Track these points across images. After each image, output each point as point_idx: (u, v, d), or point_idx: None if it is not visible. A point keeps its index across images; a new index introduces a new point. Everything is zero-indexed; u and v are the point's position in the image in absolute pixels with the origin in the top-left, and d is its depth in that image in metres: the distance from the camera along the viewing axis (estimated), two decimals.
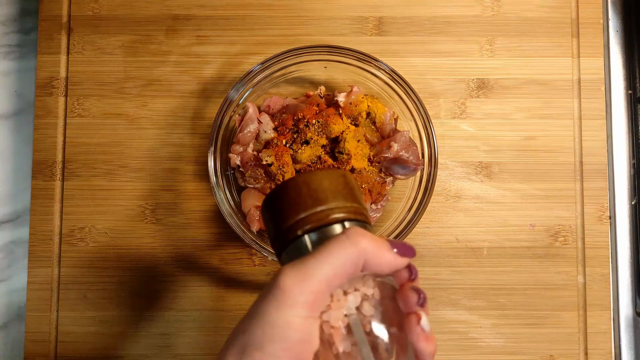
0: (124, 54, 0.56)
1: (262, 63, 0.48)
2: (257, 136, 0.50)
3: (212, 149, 0.48)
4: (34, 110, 0.55)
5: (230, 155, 0.49)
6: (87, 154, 0.55)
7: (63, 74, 0.56)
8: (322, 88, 0.51)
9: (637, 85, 0.58)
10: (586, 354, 0.53)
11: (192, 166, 0.55)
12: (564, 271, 0.54)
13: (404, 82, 0.49)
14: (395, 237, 0.48)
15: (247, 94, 0.50)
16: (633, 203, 0.56)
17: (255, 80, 0.49)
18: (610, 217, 0.56)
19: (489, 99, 0.56)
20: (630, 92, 0.58)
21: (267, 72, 0.49)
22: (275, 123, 0.50)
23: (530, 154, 0.55)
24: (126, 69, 0.56)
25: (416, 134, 0.50)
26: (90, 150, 0.55)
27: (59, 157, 0.55)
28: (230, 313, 0.54)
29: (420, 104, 0.49)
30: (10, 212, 0.57)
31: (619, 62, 0.58)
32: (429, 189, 0.48)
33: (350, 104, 0.50)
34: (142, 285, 0.54)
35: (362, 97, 0.51)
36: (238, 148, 0.49)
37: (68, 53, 0.56)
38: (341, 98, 0.50)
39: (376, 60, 0.49)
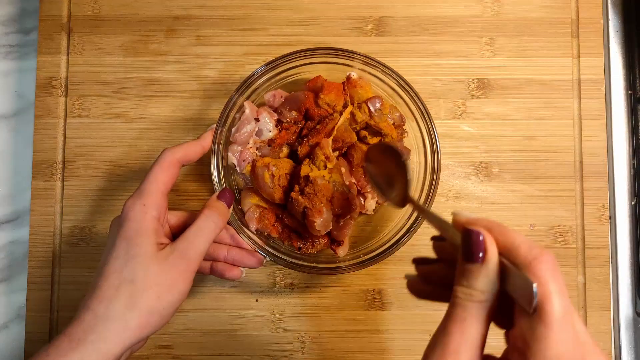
0: (124, 54, 0.56)
1: (266, 65, 0.48)
2: (259, 134, 0.49)
3: (215, 150, 0.48)
4: (34, 110, 0.55)
5: (228, 154, 0.49)
6: (87, 154, 0.55)
7: (63, 74, 0.56)
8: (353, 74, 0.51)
9: (637, 85, 0.58)
10: None
11: (193, 166, 0.55)
12: (564, 271, 0.54)
13: (410, 87, 0.49)
14: (399, 238, 0.48)
15: (250, 96, 0.50)
16: (633, 203, 0.56)
17: (259, 82, 0.49)
18: (610, 217, 0.56)
19: (489, 99, 0.56)
20: (630, 92, 0.58)
21: (270, 74, 0.49)
22: (280, 117, 0.50)
23: (530, 154, 0.55)
24: (126, 69, 0.56)
25: (418, 135, 0.50)
26: (90, 150, 0.55)
27: (59, 158, 0.55)
28: (230, 313, 0.54)
29: (425, 109, 0.49)
30: (10, 213, 0.57)
31: (619, 62, 0.58)
32: (432, 192, 0.48)
33: (356, 86, 0.50)
34: None
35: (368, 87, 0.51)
36: (236, 148, 0.49)
37: (68, 53, 0.56)
38: (354, 74, 0.50)
39: (383, 65, 0.49)
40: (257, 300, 0.54)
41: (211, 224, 0.43)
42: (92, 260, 0.54)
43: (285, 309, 0.54)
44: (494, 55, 0.56)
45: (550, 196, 0.55)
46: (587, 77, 0.56)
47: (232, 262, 0.48)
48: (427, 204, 0.48)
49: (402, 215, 0.50)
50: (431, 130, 0.49)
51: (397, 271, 0.54)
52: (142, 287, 0.38)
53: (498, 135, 0.55)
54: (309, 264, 0.48)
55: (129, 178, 0.55)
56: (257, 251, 0.48)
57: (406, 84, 0.49)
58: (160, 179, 0.43)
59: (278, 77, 0.50)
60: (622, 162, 0.57)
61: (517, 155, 0.55)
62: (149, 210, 0.41)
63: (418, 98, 0.49)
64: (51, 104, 0.56)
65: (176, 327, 0.54)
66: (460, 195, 0.55)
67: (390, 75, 0.49)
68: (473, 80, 0.56)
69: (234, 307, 0.54)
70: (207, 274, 0.49)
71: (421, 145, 0.50)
